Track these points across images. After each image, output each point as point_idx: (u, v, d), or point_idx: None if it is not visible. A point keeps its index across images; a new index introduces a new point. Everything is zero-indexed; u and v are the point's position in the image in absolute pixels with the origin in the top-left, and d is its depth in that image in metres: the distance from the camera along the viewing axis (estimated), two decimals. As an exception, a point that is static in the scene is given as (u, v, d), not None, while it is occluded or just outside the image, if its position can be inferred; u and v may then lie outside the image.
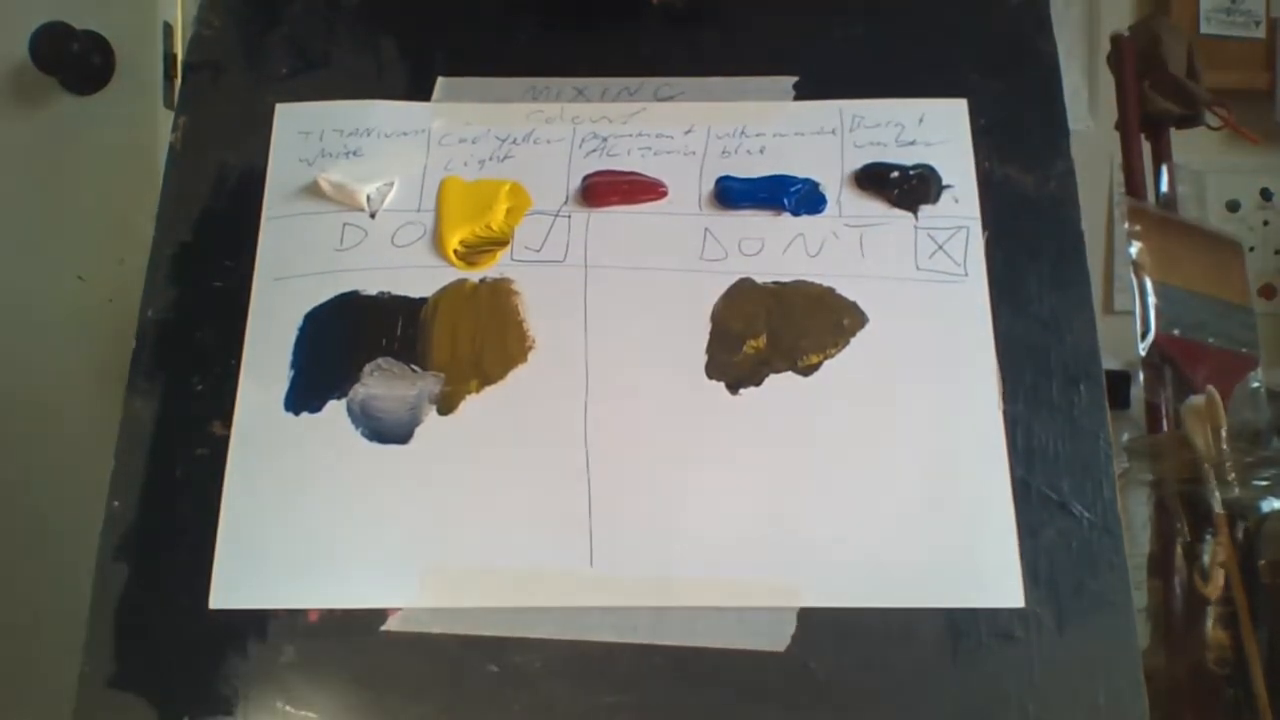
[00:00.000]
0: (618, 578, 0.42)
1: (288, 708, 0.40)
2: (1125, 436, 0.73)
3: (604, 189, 0.47)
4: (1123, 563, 0.42)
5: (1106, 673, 0.41)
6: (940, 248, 0.46)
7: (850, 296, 0.46)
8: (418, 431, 0.44)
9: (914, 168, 0.48)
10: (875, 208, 0.47)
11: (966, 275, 0.46)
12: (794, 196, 0.47)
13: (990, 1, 0.51)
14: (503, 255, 0.47)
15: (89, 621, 0.42)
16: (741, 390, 0.44)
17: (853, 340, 0.45)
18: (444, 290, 0.46)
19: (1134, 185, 0.80)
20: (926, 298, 0.46)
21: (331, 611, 0.41)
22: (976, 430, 0.44)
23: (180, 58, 0.75)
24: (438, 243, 0.47)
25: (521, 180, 0.48)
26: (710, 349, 0.45)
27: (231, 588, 0.42)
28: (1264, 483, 0.66)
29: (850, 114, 0.49)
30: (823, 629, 0.41)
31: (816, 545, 0.42)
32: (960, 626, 0.41)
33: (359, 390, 0.44)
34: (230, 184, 0.48)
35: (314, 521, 0.43)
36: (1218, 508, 0.64)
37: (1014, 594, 0.41)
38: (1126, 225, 0.74)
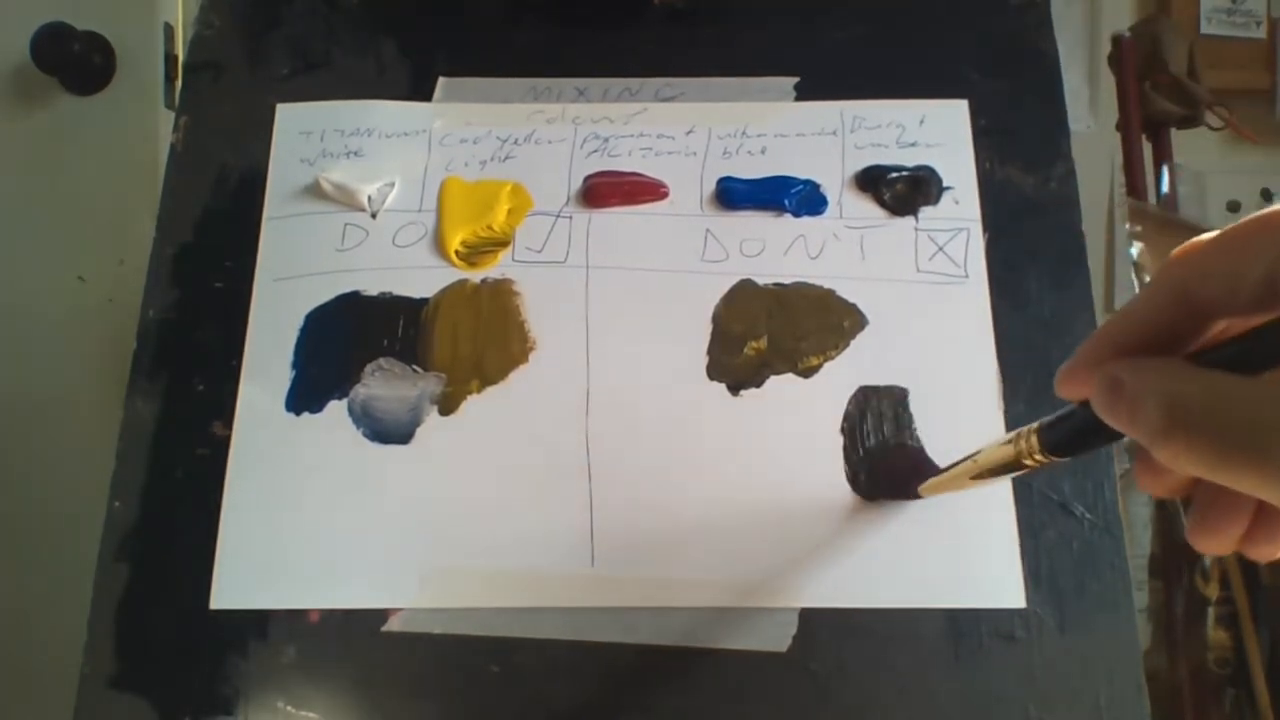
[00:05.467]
0: (619, 578, 0.42)
1: (288, 708, 0.40)
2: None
3: (605, 190, 0.47)
4: (1124, 563, 0.42)
5: (1108, 673, 0.41)
6: (941, 249, 0.46)
7: (851, 298, 0.46)
8: (419, 432, 0.44)
9: (915, 169, 0.48)
10: (876, 209, 0.47)
11: (967, 277, 0.46)
12: (795, 198, 0.47)
13: (991, 2, 0.51)
14: (504, 256, 0.47)
15: (89, 621, 0.42)
16: (742, 391, 0.44)
17: (853, 342, 0.45)
18: (445, 291, 0.46)
19: (1135, 186, 0.81)
20: (927, 299, 0.46)
21: (332, 612, 0.41)
22: (978, 431, 0.43)
23: (181, 58, 0.75)
24: (439, 243, 0.47)
25: (523, 181, 0.48)
26: (711, 350, 0.45)
27: (232, 588, 0.42)
28: (1265, 483, 0.65)
29: (851, 115, 0.49)
30: (823, 629, 0.41)
31: (817, 545, 0.42)
32: (961, 627, 0.41)
33: (360, 390, 0.44)
34: (231, 184, 0.48)
35: (315, 522, 0.43)
36: (1218, 508, 0.64)
37: (1015, 594, 0.41)
38: (1127, 226, 0.74)
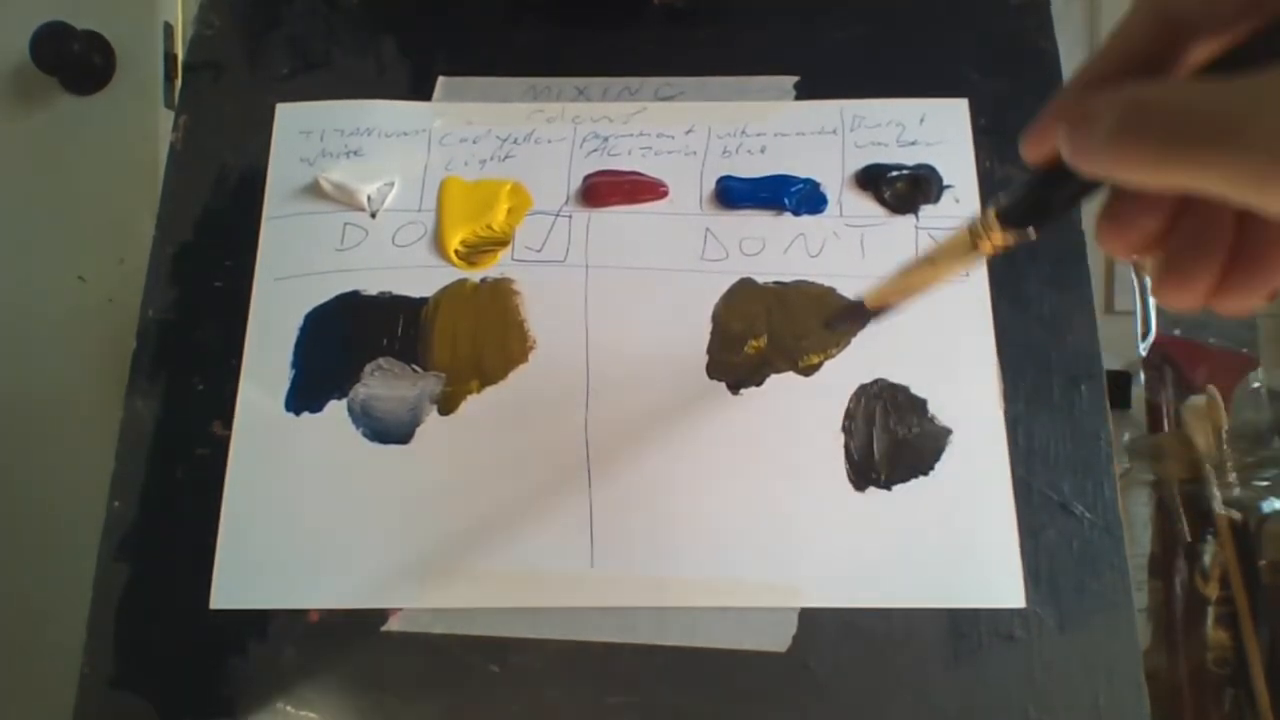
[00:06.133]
0: (618, 578, 0.42)
1: (288, 708, 0.40)
2: (1126, 436, 0.73)
3: (605, 189, 0.47)
4: (1123, 563, 0.42)
5: (1107, 673, 0.41)
6: (941, 248, 0.46)
7: (852, 297, 0.46)
8: (418, 432, 0.44)
9: (915, 168, 0.48)
10: (876, 208, 0.47)
11: (968, 276, 0.46)
12: (795, 196, 0.47)
13: (991, 2, 0.51)
14: (503, 255, 0.47)
15: (89, 621, 0.42)
16: (743, 390, 0.44)
17: (853, 340, 0.45)
18: (445, 290, 0.46)
19: (1135, 185, 0.80)
20: (928, 298, 0.45)
21: (332, 612, 0.41)
22: (977, 430, 0.44)
23: (180, 58, 0.75)
24: (438, 242, 0.47)
25: (522, 180, 0.48)
26: (711, 349, 0.45)
27: (232, 588, 0.42)
28: (1265, 483, 0.66)
29: (851, 114, 0.49)
30: (823, 629, 0.41)
31: (817, 545, 0.42)
32: (961, 627, 0.41)
33: (360, 390, 0.44)
34: (231, 184, 0.48)
35: (314, 522, 0.43)
36: (1219, 508, 0.64)
37: (1015, 594, 0.41)
38: (1127, 225, 0.74)
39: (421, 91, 0.50)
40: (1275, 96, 0.18)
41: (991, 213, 0.29)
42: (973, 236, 0.30)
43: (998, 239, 0.29)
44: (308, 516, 0.43)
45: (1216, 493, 0.64)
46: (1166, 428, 0.70)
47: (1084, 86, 0.24)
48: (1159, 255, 0.26)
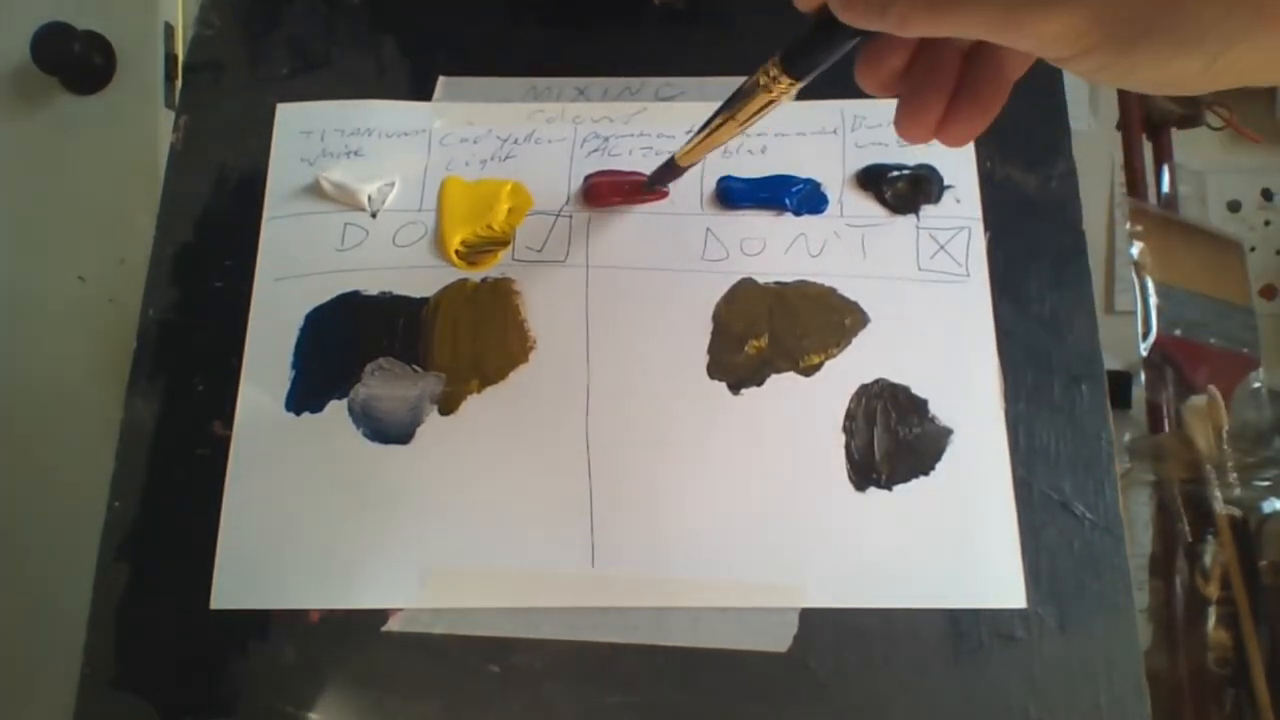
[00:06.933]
0: (619, 578, 0.42)
1: (289, 708, 0.40)
2: (1127, 437, 0.73)
3: (605, 189, 0.47)
4: (1124, 563, 0.42)
5: (1108, 673, 0.41)
6: (942, 248, 0.46)
7: (852, 297, 0.46)
8: (419, 431, 0.44)
9: (915, 167, 0.48)
10: (877, 208, 0.47)
11: (968, 275, 0.46)
12: (795, 196, 0.47)
13: (991, 1, 0.51)
14: (504, 255, 0.47)
15: (89, 621, 0.42)
16: (743, 390, 0.44)
17: (854, 340, 0.45)
18: (445, 290, 0.46)
19: (1135, 185, 0.80)
20: (928, 298, 0.46)
21: (332, 612, 0.41)
22: (978, 430, 0.44)
23: (181, 58, 0.75)
24: (439, 242, 0.47)
25: (523, 180, 0.48)
26: (712, 349, 0.45)
27: (232, 588, 0.42)
28: (1265, 483, 0.66)
29: (851, 114, 0.49)
30: (823, 629, 0.41)
31: (818, 546, 0.42)
32: (962, 627, 0.41)
33: (360, 390, 0.44)
34: (231, 184, 0.48)
35: (315, 522, 0.43)
36: (1219, 508, 0.64)
37: (1016, 594, 0.41)
38: (1128, 225, 0.74)
39: (421, 91, 0.50)
40: None
41: (776, 60, 0.33)
42: (762, 83, 0.34)
43: (782, 84, 0.33)
44: (308, 516, 0.43)
45: (1217, 493, 0.65)
46: (1167, 428, 0.70)
47: None
48: (900, 92, 0.31)
